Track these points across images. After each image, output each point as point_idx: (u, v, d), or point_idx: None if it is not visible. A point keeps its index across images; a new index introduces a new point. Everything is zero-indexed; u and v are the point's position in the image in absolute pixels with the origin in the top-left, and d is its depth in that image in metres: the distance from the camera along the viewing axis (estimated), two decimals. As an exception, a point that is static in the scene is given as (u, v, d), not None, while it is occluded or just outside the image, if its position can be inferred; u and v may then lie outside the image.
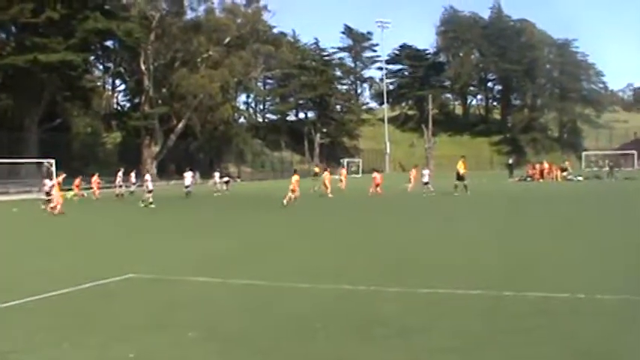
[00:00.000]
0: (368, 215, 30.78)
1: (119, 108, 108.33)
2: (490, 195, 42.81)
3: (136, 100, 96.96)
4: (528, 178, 66.42)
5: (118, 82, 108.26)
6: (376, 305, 10.51)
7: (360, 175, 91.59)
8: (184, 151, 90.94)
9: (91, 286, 12.66)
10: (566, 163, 76.11)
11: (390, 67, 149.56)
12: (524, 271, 13.28)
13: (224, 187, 52.32)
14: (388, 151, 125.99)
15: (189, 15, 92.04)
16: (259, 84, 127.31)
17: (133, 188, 53.20)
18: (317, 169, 70.40)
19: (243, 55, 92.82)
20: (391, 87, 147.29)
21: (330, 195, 42.53)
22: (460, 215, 29.27)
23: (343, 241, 19.88)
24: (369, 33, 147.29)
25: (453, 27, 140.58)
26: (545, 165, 70.03)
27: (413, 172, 48.27)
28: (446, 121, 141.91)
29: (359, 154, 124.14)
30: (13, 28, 74.39)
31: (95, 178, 50.38)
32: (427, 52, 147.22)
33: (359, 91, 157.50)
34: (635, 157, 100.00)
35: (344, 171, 59.20)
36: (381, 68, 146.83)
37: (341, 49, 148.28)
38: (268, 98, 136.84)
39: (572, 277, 12.54)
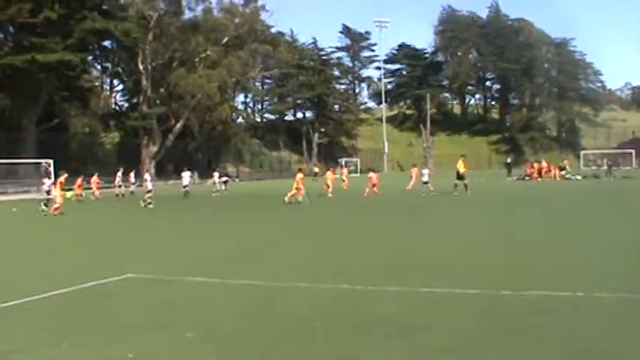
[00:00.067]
0: (367, 215, 30.78)
1: (117, 108, 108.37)
2: (489, 194, 42.82)
3: (134, 100, 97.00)
4: (526, 177, 66.49)
5: (116, 82, 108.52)
6: (375, 304, 10.52)
7: (358, 175, 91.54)
8: (182, 151, 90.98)
9: (90, 286, 12.66)
10: (565, 162, 76.19)
11: (388, 66, 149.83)
12: (523, 270, 13.29)
13: (222, 187, 52.31)
14: (386, 150, 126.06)
15: (187, 15, 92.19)
16: (257, 84, 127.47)
17: (132, 188, 53.24)
18: (317, 169, 70.52)
19: (241, 54, 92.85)
20: (389, 86, 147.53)
21: (330, 195, 42.56)
22: (459, 215, 29.28)
23: (342, 240, 19.90)
24: (367, 32, 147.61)
25: (451, 26, 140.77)
26: (544, 164, 70.09)
27: (415, 171, 48.25)
28: (444, 120, 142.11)
29: (357, 153, 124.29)
30: (11, 28, 74.45)
31: (94, 179, 50.34)
32: (425, 51, 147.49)
33: (357, 90, 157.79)
34: (634, 155, 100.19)
35: (346, 170, 59.41)
36: (379, 68, 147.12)
37: (339, 49, 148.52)
38: (266, 98, 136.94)
39: (570, 275, 12.55)
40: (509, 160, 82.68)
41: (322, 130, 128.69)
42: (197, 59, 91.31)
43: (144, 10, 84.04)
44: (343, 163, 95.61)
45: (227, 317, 10.00)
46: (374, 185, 43.24)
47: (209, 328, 9.23)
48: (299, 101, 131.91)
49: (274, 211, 33.67)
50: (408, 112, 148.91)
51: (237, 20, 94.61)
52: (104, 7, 77.01)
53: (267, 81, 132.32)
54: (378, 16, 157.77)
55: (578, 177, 64.80)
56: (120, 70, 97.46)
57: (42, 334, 9.10)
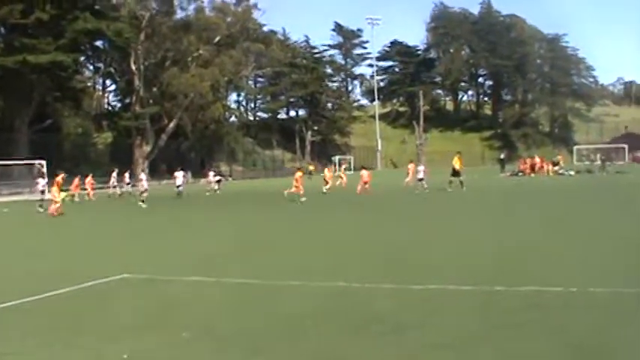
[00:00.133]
0: (361, 213, 30.78)
1: (110, 108, 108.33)
2: (482, 190, 42.89)
3: (127, 100, 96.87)
4: (520, 173, 66.60)
5: (108, 82, 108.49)
6: (370, 302, 10.54)
7: (351, 172, 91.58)
8: (175, 151, 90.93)
9: (85, 286, 12.66)
10: (558, 157, 76.35)
11: (381, 63, 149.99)
12: (517, 266, 13.32)
13: (216, 186, 52.23)
14: (380, 147, 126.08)
15: (179, 14, 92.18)
16: (250, 82, 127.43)
17: (127, 188, 53.19)
18: (312, 167, 70.68)
19: (233, 53, 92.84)
20: (382, 84, 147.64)
21: (324, 191, 42.57)
22: (453, 212, 29.34)
23: (337, 238, 19.92)
24: (359, 30, 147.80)
25: (444, 23, 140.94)
26: (537, 160, 70.23)
27: (412, 167, 48.21)
28: (437, 117, 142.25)
29: (350, 151, 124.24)
30: (2, 29, 74.34)
31: (89, 179, 50.18)
32: (418, 48, 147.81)
33: (350, 88, 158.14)
34: (626, 150, 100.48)
35: (343, 167, 59.79)
36: (371, 65, 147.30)
37: (331, 47, 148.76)
38: (259, 97, 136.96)
39: (564, 271, 12.58)
40: (502, 156, 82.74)
41: (315, 128, 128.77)
42: (189, 58, 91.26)
43: (136, 10, 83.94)
44: (337, 161, 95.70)
45: (222, 316, 10.02)
46: (366, 183, 43.39)
47: (204, 328, 9.25)
48: (292, 99, 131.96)
49: (269, 210, 33.75)
50: (401, 109, 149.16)
51: (229, 19, 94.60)
52: (96, 7, 76.86)
53: (260, 79, 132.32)
54: (370, 13, 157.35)
55: (572, 172, 64.89)
56: (112, 70, 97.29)
57: (37, 336, 9.10)
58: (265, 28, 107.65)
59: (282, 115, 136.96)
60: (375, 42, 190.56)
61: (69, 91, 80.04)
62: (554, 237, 17.75)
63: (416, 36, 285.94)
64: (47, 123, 78.09)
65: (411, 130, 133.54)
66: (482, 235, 18.90)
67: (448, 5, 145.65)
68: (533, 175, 64.34)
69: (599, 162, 73.81)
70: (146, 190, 39.98)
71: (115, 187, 52.62)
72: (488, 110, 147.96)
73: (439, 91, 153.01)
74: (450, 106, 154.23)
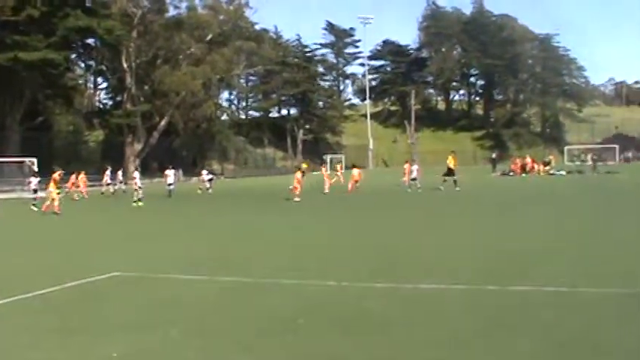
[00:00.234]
0: (354, 212, 30.85)
1: (101, 106, 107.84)
2: (474, 190, 42.92)
3: (118, 98, 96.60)
4: (511, 173, 66.73)
5: (99, 80, 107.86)
6: (360, 301, 10.56)
7: (343, 171, 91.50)
8: (167, 149, 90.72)
9: (76, 284, 12.64)
10: (550, 157, 76.55)
11: (373, 63, 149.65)
12: (508, 266, 13.35)
13: (207, 185, 52.10)
14: (371, 147, 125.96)
15: (171, 12, 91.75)
16: (241, 81, 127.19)
17: (121, 186, 53.10)
18: (305, 166, 70.73)
19: (225, 52, 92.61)
20: (374, 83, 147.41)
21: (326, 191, 42.53)
22: (445, 211, 29.40)
23: (329, 237, 19.97)
24: (351, 29, 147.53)
25: (436, 23, 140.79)
26: (528, 159, 70.38)
27: (407, 167, 48.07)
28: (428, 116, 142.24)
29: (342, 150, 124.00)
30: (-6, 26, 73.98)
31: (82, 177, 49.92)
32: (409, 47, 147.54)
33: (341, 87, 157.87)
34: (617, 151, 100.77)
35: (339, 167, 60.19)
36: (363, 64, 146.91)
37: (323, 46, 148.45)
38: (251, 95, 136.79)
39: (554, 271, 12.61)
40: (494, 156, 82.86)
41: (307, 126, 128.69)
42: (181, 56, 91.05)
43: (127, 8, 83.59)
44: (328, 160, 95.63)
45: (212, 314, 10.02)
46: (356, 181, 43.51)
47: (194, 325, 9.25)
48: (283, 98, 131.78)
49: (260, 209, 33.71)
50: (393, 108, 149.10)
51: (221, 17, 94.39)
52: (87, 4, 76.50)
53: (252, 78, 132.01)
54: (362, 12, 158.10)
55: (563, 172, 65.03)
56: (104, 67, 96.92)
57: (26, 335, 9.08)
58: (257, 27, 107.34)
59: (273, 114, 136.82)
60: (367, 41, 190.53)
61: (60, 88, 79.59)
62: (544, 237, 17.80)
63: (408, 35, 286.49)
64: (38, 121, 77.80)
65: (403, 129, 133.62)
66: (473, 235, 18.94)
67: (440, 5, 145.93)
68: (524, 175, 64.45)
69: (590, 162, 74.02)
70: (140, 187, 39.88)
71: (109, 184, 52.50)
72: (479, 110, 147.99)
73: (431, 91, 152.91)
74: (441, 105, 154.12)
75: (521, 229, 19.96)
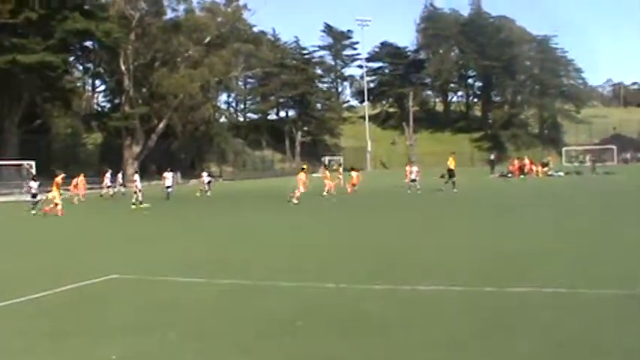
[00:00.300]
0: (352, 214, 30.86)
1: (99, 109, 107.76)
2: (472, 191, 42.94)
3: (117, 101, 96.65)
4: (509, 174, 66.70)
5: (98, 82, 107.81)
6: (358, 303, 10.55)
7: (342, 174, 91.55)
8: (165, 151, 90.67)
9: (74, 287, 12.63)
10: (549, 158, 76.59)
11: (371, 64, 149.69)
12: (506, 267, 13.34)
13: (206, 187, 52.06)
14: (369, 149, 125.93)
15: (169, 14, 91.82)
16: (240, 83, 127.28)
17: (120, 189, 53.14)
18: (304, 167, 70.83)
19: (223, 54, 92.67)
20: (372, 85, 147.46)
21: (325, 194, 42.51)
22: (443, 213, 29.43)
23: (327, 239, 19.97)
24: (349, 31, 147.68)
25: (433, 24, 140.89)
26: (526, 161, 70.35)
27: (409, 169, 48.01)
28: (427, 118, 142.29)
29: (340, 152, 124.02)
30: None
31: (81, 179, 49.83)
32: (407, 49, 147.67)
33: (339, 89, 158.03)
34: (615, 151, 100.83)
35: (341, 169, 60.41)
36: (361, 66, 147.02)
37: (321, 48, 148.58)
38: (249, 97, 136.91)
39: (553, 272, 12.61)
40: (492, 157, 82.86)
41: (305, 128, 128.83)
42: (179, 59, 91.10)
43: (125, 10, 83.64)
44: (327, 162, 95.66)
45: (211, 317, 10.02)
46: (354, 185, 43.59)
47: (193, 328, 9.25)
48: (281, 100, 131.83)
49: (259, 211, 33.73)
50: (391, 110, 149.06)
51: (219, 19, 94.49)
52: (85, 7, 76.43)
53: (250, 80, 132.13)
54: (360, 14, 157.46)
55: (561, 174, 65.07)
56: (102, 70, 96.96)
57: (24, 338, 9.08)
58: (255, 29, 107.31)
59: (272, 116, 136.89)
60: (365, 43, 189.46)
61: (58, 91, 79.63)
62: (542, 238, 17.80)
63: (406, 37, 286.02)
64: (36, 123, 77.86)
65: (401, 131, 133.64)
66: (471, 237, 18.94)
67: (438, 7, 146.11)
68: (522, 176, 64.43)
69: (589, 163, 74.08)
70: (140, 190, 39.88)
71: (109, 187, 52.56)
72: (477, 111, 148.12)
73: (429, 92, 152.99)
74: (439, 107, 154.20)
75: (519, 231, 19.97)
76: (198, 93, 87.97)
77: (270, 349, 8.16)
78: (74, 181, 47.58)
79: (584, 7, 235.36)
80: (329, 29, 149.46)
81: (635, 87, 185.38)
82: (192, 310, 10.50)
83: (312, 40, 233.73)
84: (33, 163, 56.70)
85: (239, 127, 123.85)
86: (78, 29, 72.37)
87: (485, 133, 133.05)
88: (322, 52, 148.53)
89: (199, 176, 58.13)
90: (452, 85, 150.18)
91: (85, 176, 50.85)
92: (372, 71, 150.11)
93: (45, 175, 47.07)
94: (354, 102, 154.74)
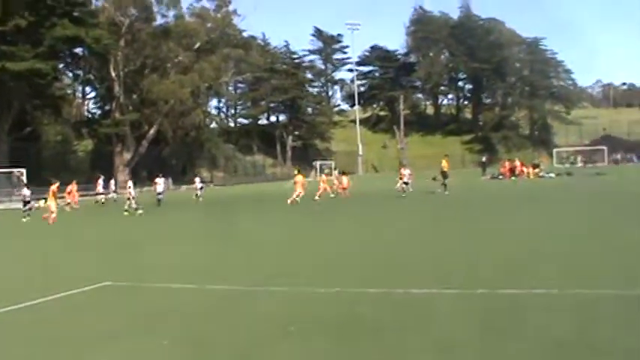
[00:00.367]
0: (345, 218, 30.85)
1: (90, 115, 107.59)
2: (464, 194, 42.94)
3: (107, 107, 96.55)
4: (500, 176, 66.81)
5: (88, 89, 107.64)
6: (351, 307, 10.54)
7: (333, 177, 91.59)
8: (156, 158, 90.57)
9: (66, 295, 12.58)
10: (540, 160, 76.81)
11: (361, 68, 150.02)
12: (498, 270, 13.35)
13: (198, 192, 52.03)
14: (361, 152, 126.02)
15: (159, 21, 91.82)
16: (230, 88, 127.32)
17: (112, 195, 53.08)
18: (296, 171, 71.12)
19: (213, 59, 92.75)
20: (362, 88, 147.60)
21: (316, 197, 42.54)
22: (434, 215, 29.43)
23: (320, 244, 19.94)
24: (339, 35, 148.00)
25: (423, 27, 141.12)
26: (517, 162, 70.48)
27: (403, 172, 48.08)
28: (417, 121, 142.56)
29: (331, 156, 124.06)
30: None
31: (73, 187, 49.74)
32: (397, 52, 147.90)
33: (330, 93, 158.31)
34: (605, 152, 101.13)
35: (336, 173, 60.67)
36: (351, 70, 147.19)
37: (311, 52, 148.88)
38: (239, 102, 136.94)
39: (545, 273, 12.61)
40: (484, 159, 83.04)
41: (296, 133, 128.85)
42: (169, 65, 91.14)
43: (115, 17, 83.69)
44: (318, 166, 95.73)
45: (204, 323, 10.00)
46: (345, 188, 43.65)
47: (186, 334, 9.23)
48: (272, 105, 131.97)
49: (251, 216, 33.70)
50: (382, 113, 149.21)
51: (208, 25, 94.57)
52: (74, 14, 76.17)
53: (240, 85, 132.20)
54: (350, 18, 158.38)
55: (552, 175, 65.22)
56: (92, 77, 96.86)
57: (16, 347, 9.06)
58: (245, 34, 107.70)
59: (262, 121, 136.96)
60: (355, 47, 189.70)
61: (48, 98, 79.33)
62: (534, 240, 17.81)
63: (396, 40, 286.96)
64: (26, 131, 77.66)
65: (392, 134, 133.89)
66: (463, 239, 18.94)
67: (427, 10, 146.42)
68: (513, 178, 64.53)
69: (580, 164, 74.30)
70: (134, 197, 39.84)
71: (102, 194, 52.52)
72: (468, 114, 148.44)
73: (419, 96, 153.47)
74: (430, 110, 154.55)
75: (510, 232, 19.97)
76: (188, 99, 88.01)
77: (264, 355, 8.16)
78: (68, 189, 47.51)
79: (574, 9, 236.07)
80: (319, 33, 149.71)
81: (625, 88, 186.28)
82: (185, 317, 10.47)
83: (302, 44, 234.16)
84: (23, 170, 56.57)
85: (230, 133, 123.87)
86: (67, 36, 72.21)
87: (475, 135, 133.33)
88: (312, 57, 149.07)
89: (192, 182, 58.14)
90: (442, 87, 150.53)
91: (77, 183, 50.78)
92: (363, 75, 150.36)
93: (35, 183, 47.04)
94: (345, 106, 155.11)
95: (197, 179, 55.20)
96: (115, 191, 54.22)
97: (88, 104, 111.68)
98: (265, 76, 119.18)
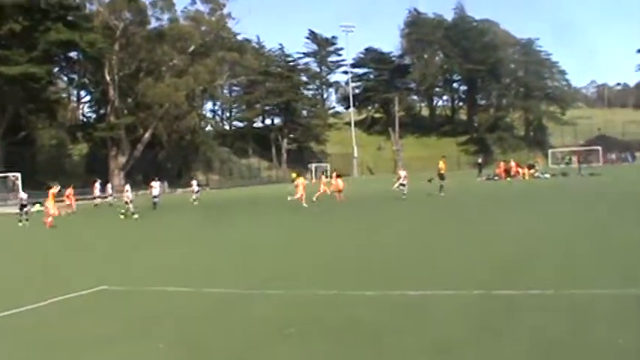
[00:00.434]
0: (340, 220, 30.85)
1: (85, 119, 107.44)
2: (460, 195, 42.94)
3: (102, 111, 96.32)
4: (496, 177, 66.84)
5: (82, 93, 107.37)
6: (349, 309, 10.56)
7: (327, 180, 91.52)
8: (152, 161, 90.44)
9: (63, 299, 12.58)
10: (537, 160, 76.83)
11: (356, 70, 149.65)
12: (494, 271, 13.38)
13: (194, 196, 52.01)
14: (356, 154, 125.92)
15: (153, 24, 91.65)
16: (225, 91, 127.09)
17: (110, 199, 53.06)
18: (294, 175, 71.26)
19: (207, 62, 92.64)
20: (357, 90, 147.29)
21: (314, 199, 42.57)
22: (430, 217, 29.47)
23: (316, 246, 19.95)
24: (333, 37, 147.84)
25: (417, 29, 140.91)
26: (512, 163, 70.48)
27: (400, 173, 48.04)
28: (412, 123, 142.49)
29: (326, 158, 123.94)
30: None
31: (70, 191, 49.66)
32: (392, 54, 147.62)
33: (325, 95, 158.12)
34: (600, 153, 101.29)
35: (335, 174, 60.83)
36: (346, 72, 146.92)
37: (306, 55, 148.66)
38: (234, 105, 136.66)
39: (540, 274, 12.64)
40: (480, 161, 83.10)
41: (291, 135, 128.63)
42: (164, 68, 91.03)
43: (109, 21, 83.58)
44: (313, 169, 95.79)
45: (201, 326, 10.00)
46: (340, 191, 43.64)
47: (183, 338, 9.23)
48: (267, 108, 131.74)
49: (246, 219, 33.69)
50: (377, 115, 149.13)
51: (203, 28, 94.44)
52: (69, 18, 76.15)
53: (235, 88, 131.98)
54: (344, 20, 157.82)
55: (547, 175, 65.24)
56: (86, 81, 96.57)
57: (12, 352, 9.06)
58: (239, 37, 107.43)
59: (257, 124, 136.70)
60: (350, 49, 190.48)
61: (43, 102, 79.18)
62: (529, 241, 17.83)
63: (390, 42, 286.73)
64: (21, 135, 77.44)
65: (387, 136, 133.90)
66: (460, 241, 18.95)
67: (422, 11, 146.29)
68: (509, 179, 64.53)
69: (575, 164, 74.35)
70: (132, 200, 39.85)
71: (99, 197, 52.51)
72: (463, 115, 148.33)
73: (414, 97, 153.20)
74: (425, 111, 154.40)
75: (506, 234, 20.00)
76: (183, 102, 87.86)
77: (261, 358, 8.16)
78: (66, 192, 47.46)
79: (568, 9, 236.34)
80: (313, 36, 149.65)
81: (619, 88, 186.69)
82: (181, 320, 10.47)
83: (297, 47, 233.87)
84: (18, 175, 56.45)
85: (225, 136, 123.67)
86: (62, 40, 72.18)
87: (471, 136, 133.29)
88: (307, 59, 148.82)
89: (189, 185, 58.13)
90: (437, 89, 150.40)
91: (74, 187, 50.75)
92: (357, 77, 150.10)
93: (30, 187, 46.96)
94: (340, 108, 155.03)
95: (194, 182, 55.18)
96: (111, 194, 54.14)
97: (82, 108, 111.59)
98: (260, 79, 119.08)
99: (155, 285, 13.82)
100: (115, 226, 33.97)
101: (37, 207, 45.44)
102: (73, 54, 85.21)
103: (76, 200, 50.50)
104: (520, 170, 67.98)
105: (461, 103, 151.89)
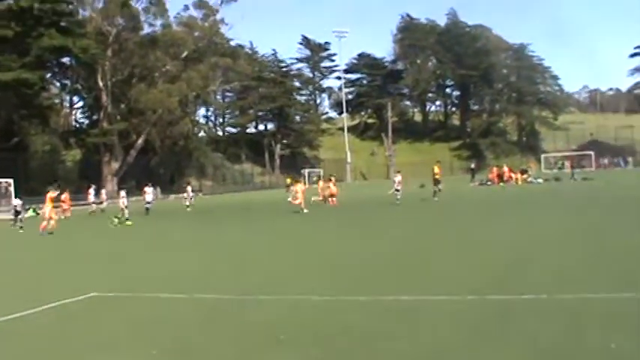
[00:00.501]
0: (334, 225, 30.84)
1: (78, 125, 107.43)
2: (453, 200, 42.96)
3: (95, 117, 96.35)
4: (488, 182, 66.94)
5: (75, 99, 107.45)
6: (341, 315, 10.52)
7: (321, 185, 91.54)
8: (145, 167, 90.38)
9: (53, 306, 12.50)
10: (530, 165, 76.93)
11: (349, 76, 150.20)
12: (487, 276, 13.35)
13: (187, 202, 51.98)
14: (349, 160, 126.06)
15: (146, 30, 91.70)
16: (218, 97, 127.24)
17: (100, 206, 52.91)
18: (289, 181, 71.35)
19: (200, 68, 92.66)
20: (350, 96, 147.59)
21: (332, 203, 42.53)
22: (423, 222, 29.47)
23: (309, 251, 19.91)
24: (326, 43, 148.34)
25: (410, 34, 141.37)
26: (505, 168, 70.60)
27: (395, 178, 48.01)
28: (405, 128, 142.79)
29: (320, 164, 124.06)
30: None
31: (66, 195, 49.55)
32: (385, 60, 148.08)
33: (318, 101, 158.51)
34: (593, 157, 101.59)
35: (333, 179, 60.86)
36: (339, 78, 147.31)
37: (299, 60, 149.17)
38: (227, 111, 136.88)
39: (533, 278, 12.65)
40: (473, 166, 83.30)
41: (284, 141, 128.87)
42: (157, 74, 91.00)
43: (102, 26, 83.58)
44: (306, 174, 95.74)
45: (193, 332, 9.95)
46: (333, 195, 43.68)
47: (175, 344, 9.19)
48: (260, 113, 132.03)
49: (239, 225, 33.64)
50: (370, 121, 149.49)
51: (196, 34, 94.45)
52: (61, 23, 76.09)
53: (228, 94, 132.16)
54: (337, 26, 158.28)
55: (540, 180, 65.35)
56: (79, 86, 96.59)
57: (17, 358, 9.01)
58: (232, 43, 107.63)
59: (250, 130, 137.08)
60: (343, 55, 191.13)
61: (35, 108, 79.05)
62: (522, 245, 17.84)
63: (383, 48, 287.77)
64: (14, 141, 77.26)
65: (380, 141, 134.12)
66: (452, 245, 18.95)
67: (414, 17, 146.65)
68: (501, 184, 64.63)
69: (568, 169, 74.48)
70: (127, 206, 39.85)
71: (93, 202, 52.38)
72: (456, 120, 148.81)
73: (407, 103, 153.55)
74: (418, 117, 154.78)
75: (499, 238, 20.01)
76: (176, 108, 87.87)
77: (254, 364, 8.14)
78: (63, 197, 47.39)
79: (560, 15, 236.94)
80: (306, 41, 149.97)
81: (611, 93, 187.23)
82: (173, 327, 10.42)
83: (290, 52, 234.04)
84: (11, 181, 56.29)
85: (218, 141, 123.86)
86: (55, 46, 72.12)
87: (463, 141, 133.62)
88: (300, 65, 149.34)
89: (183, 191, 58.07)
90: (430, 94, 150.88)
91: (70, 192, 50.70)
92: (350, 82, 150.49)
93: (23, 194, 46.83)
94: (333, 113, 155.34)
95: (189, 188, 55.19)
96: (105, 200, 54.06)
97: (75, 114, 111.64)
98: (253, 84, 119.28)
99: (148, 291, 13.77)
100: (108, 232, 33.83)
101: (30, 212, 45.33)
102: (65, 60, 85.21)
103: (70, 206, 50.45)
104: (513, 175, 68.15)
105: (454, 109, 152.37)
